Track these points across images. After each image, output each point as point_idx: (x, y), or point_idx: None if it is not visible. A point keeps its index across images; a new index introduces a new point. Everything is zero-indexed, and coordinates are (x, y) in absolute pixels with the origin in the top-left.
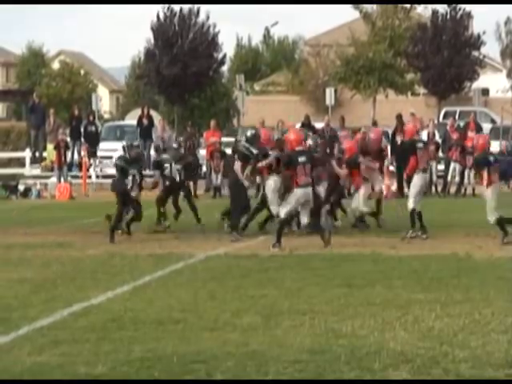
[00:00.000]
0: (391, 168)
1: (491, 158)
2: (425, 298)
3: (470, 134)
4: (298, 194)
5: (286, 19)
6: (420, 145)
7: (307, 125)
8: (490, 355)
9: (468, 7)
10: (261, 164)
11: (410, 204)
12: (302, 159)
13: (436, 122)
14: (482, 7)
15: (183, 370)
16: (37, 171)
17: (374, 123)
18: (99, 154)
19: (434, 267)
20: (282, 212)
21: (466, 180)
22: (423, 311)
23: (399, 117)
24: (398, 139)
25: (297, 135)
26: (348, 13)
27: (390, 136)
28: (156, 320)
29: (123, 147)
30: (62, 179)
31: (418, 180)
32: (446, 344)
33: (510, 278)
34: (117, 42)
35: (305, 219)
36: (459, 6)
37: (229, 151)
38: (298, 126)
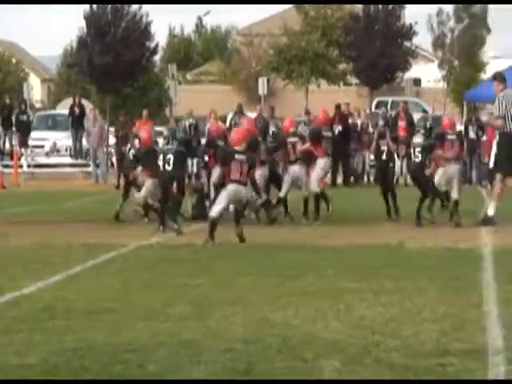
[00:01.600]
0: None
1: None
2: (357, 287)
3: (401, 123)
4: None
5: (219, 9)
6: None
7: (240, 114)
8: (422, 344)
9: None
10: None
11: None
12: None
13: (368, 111)
14: None
15: (115, 360)
16: None
17: (307, 112)
18: (31, 143)
19: (366, 257)
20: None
21: (398, 169)
22: (355, 300)
23: (338, 107)
24: (336, 129)
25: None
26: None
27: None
28: (88, 310)
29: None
30: None
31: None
32: (378, 333)
33: (441, 267)
34: (48, 31)
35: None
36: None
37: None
38: (231, 115)
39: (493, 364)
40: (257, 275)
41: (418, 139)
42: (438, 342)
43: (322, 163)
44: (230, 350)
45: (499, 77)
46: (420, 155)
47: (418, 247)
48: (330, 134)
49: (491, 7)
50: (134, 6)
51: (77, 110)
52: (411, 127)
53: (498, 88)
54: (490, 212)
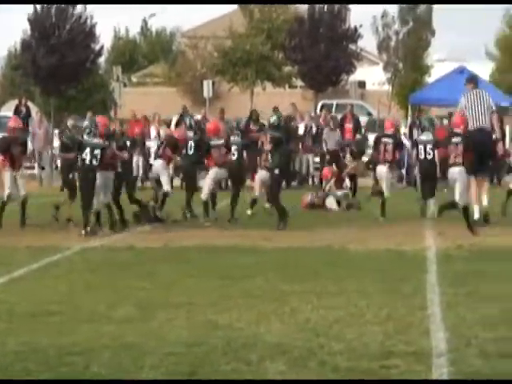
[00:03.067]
0: None
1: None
2: (301, 290)
3: (348, 125)
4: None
5: (164, 11)
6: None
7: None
8: (366, 347)
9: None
10: None
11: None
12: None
13: (312, 114)
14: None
15: (59, 362)
16: None
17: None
18: None
19: (309, 259)
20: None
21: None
22: (300, 303)
23: (276, 109)
24: None
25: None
26: (226, 5)
27: None
28: (31, 312)
29: None
30: None
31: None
32: (322, 336)
33: (384, 269)
34: None
35: None
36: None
37: None
38: (175, 117)
39: (436, 366)
40: (200, 278)
41: (423, 137)
42: (382, 345)
43: (211, 173)
44: (174, 353)
45: None
46: (431, 152)
47: (361, 249)
48: (219, 142)
49: (436, 8)
50: (79, 8)
51: (23, 110)
52: (358, 130)
53: None
54: (476, 215)
